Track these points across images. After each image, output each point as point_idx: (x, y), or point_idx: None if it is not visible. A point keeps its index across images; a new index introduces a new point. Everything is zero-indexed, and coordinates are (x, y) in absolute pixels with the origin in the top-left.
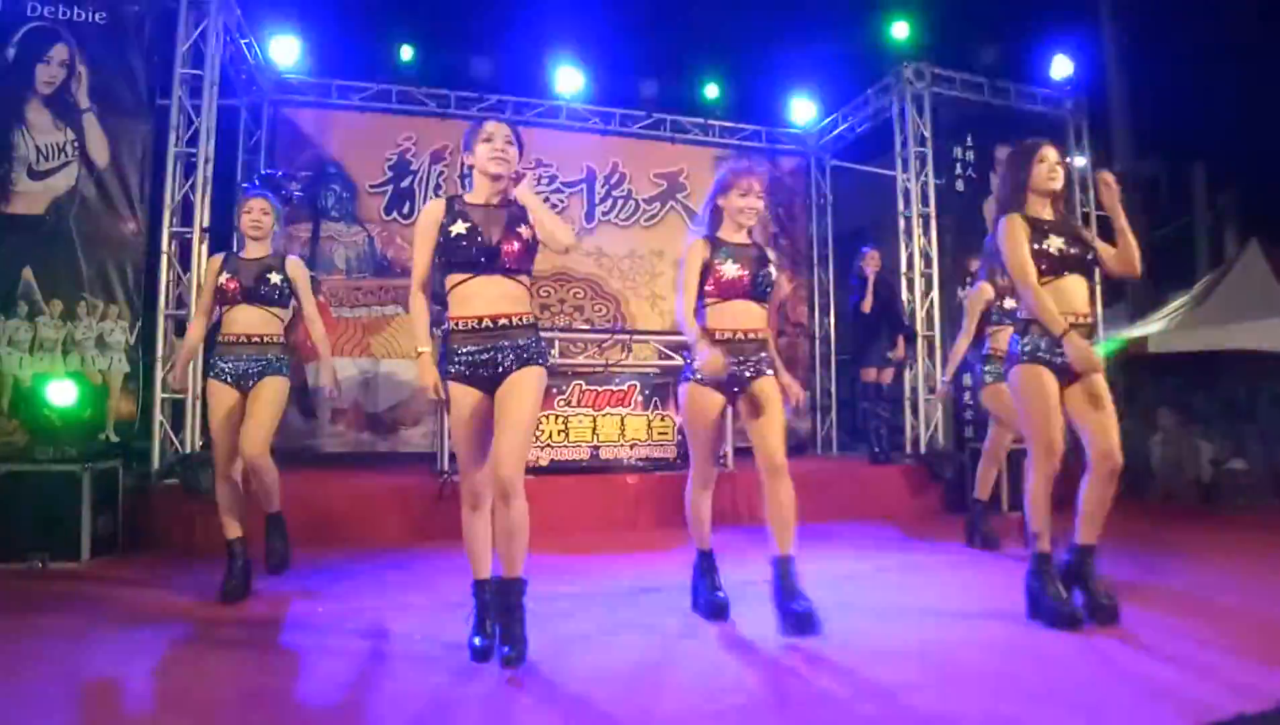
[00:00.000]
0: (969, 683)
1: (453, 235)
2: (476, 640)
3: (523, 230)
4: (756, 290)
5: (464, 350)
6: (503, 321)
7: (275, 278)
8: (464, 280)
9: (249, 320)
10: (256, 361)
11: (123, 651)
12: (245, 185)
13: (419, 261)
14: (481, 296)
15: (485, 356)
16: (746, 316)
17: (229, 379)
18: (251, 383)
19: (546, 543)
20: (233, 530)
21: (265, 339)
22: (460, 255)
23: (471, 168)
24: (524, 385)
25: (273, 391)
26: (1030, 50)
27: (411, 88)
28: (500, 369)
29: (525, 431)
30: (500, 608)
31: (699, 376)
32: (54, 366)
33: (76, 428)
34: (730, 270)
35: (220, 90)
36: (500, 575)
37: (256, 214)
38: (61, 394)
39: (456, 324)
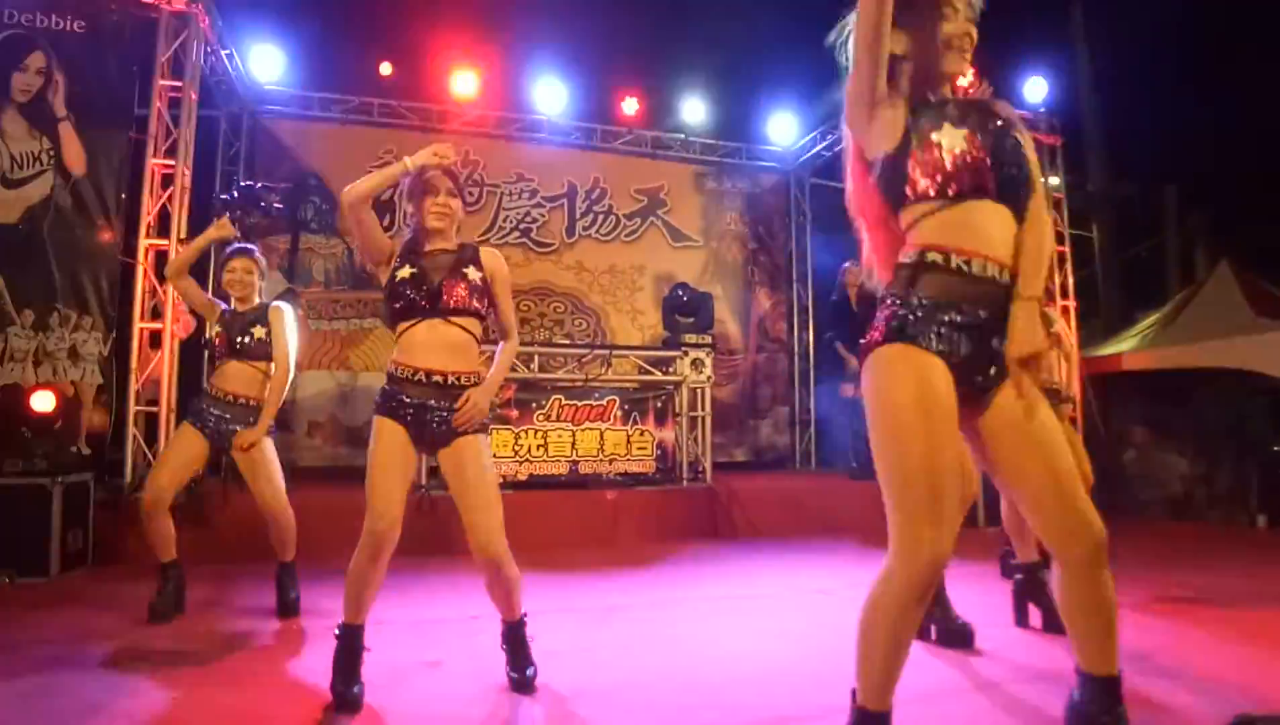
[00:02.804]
0: (948, 697)
1: (398, 279)
2: (353, 689)
3: (469, 272)
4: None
5: (407, 398)
6: (451, 379)
7: (259, 332)
8: (410, 326)
9: (237, 378)
10: (241, 423)
11: (90, 668)
12: (223, 196)
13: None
14: (425, 346)
15: (428, 411)
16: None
17: (207, 430)
18: (229, 440)
19: (523, 559)
20: (168, 554)
21: (251, 402)
22: (404, 300)
23: (413, 216)
24: (480, 455)
25: (264, 448)
26: (1005, 72)
27: (393, 101)
28: (441, 427)
29: (499, 504)
30: (512, 644)
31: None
32: (25, 377)
33: (48, 440)
34: (951, 142)
35: (200, 100)
36: (506, 620)
37: (240, 273)
38: (42, 402)
39: (399, 371)
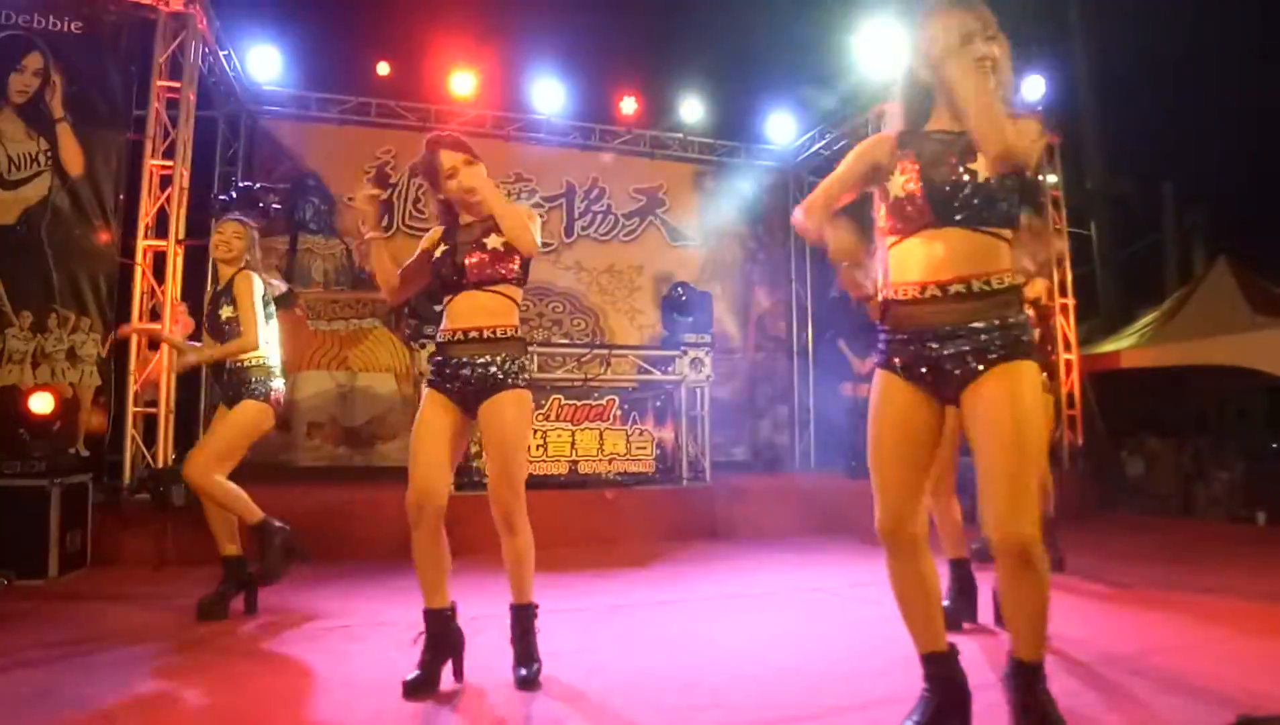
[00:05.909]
0: None
1: (436, 258)
2: (415, 674)
3: (490, 241)
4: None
5: (443, 360)
6: (473, 334)
7: (226, 311)
8: (450, 299)
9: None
10: (231, 387)
11: (89, 670)
12: (221, 196)
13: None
14: (465, 312)
15: (463, 369)
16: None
17: (222, 400)
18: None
19: None
20: (225, 548)
21: (239, 363)
22: (440, 277)
23: (443, 200)
24: (506, 412)
25: (233, 417)
26: None
27: (391, 101)
28: (474, 383)
29: (517, 462)
30: (519, 633)
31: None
32: (23, 379)
33: (46, 441)
34: (895, 188)
35: (198, 101)
36: (515, 603)
37: (228, 235)
38: (40, 403)
39: (441, 335)
